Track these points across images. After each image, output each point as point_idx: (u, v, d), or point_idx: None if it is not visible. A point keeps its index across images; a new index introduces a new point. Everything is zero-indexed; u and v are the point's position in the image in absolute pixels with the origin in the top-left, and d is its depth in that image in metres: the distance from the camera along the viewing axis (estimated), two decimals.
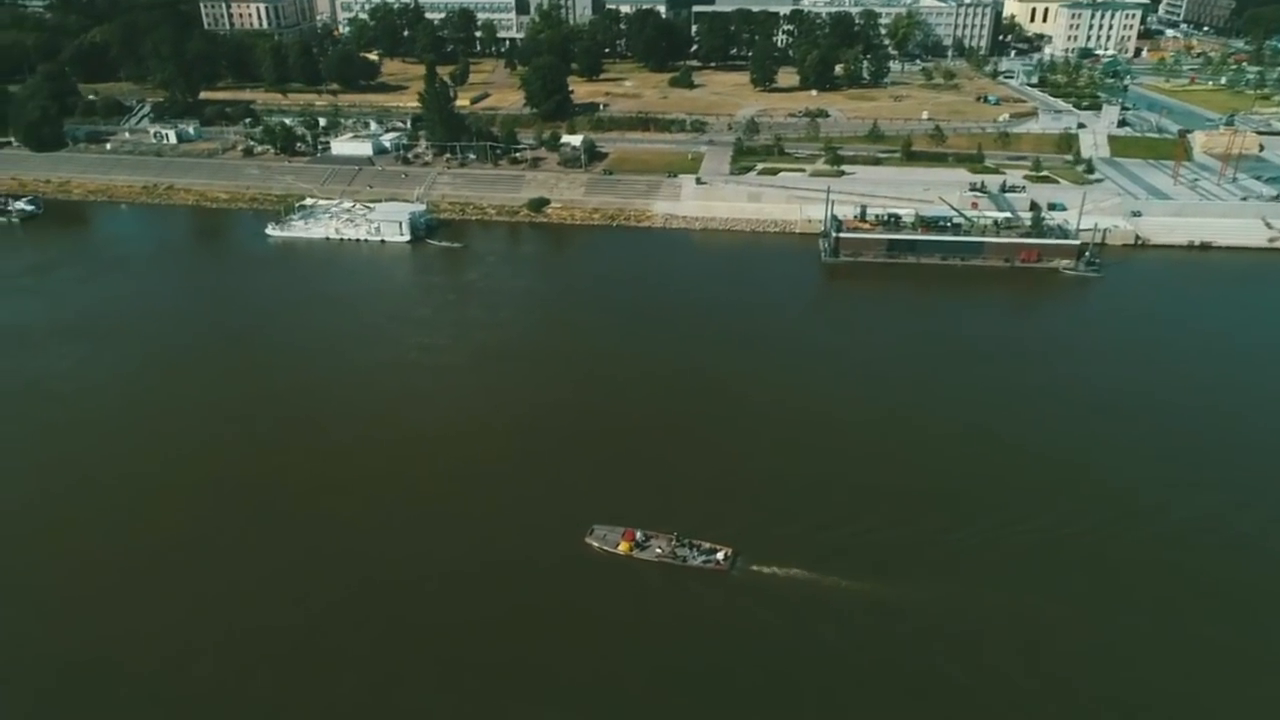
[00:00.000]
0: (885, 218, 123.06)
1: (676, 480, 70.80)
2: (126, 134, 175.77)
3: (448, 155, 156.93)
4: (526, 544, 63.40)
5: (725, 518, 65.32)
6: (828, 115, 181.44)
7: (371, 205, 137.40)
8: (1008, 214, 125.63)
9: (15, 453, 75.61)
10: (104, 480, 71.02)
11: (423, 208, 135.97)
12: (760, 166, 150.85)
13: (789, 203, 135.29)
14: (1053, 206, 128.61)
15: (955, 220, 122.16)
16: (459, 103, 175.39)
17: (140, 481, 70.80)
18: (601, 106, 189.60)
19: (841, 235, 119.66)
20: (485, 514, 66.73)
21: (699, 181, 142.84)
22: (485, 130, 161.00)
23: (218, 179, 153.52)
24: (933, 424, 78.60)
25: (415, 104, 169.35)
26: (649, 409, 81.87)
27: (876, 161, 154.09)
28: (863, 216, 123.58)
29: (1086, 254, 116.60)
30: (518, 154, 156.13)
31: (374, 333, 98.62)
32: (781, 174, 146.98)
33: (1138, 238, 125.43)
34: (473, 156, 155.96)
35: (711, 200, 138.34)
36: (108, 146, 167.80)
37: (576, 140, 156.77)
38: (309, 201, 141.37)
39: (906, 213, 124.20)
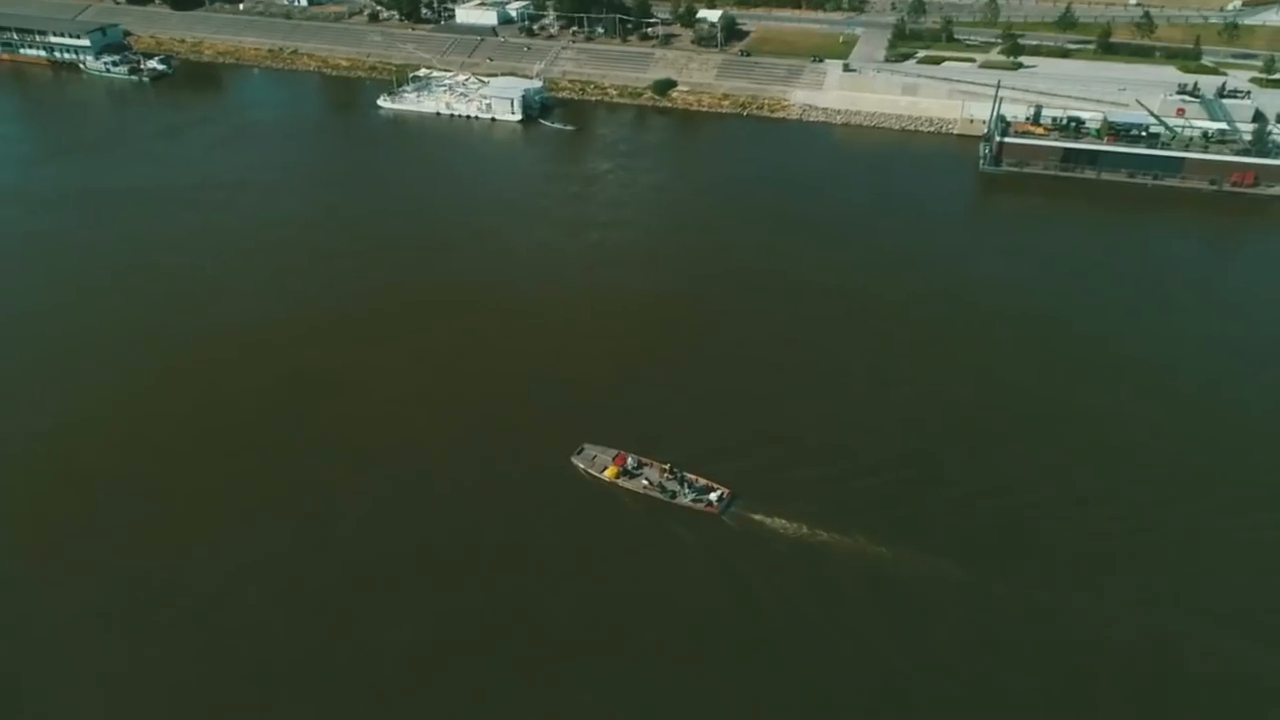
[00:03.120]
0: (1064, 121, 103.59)
1: (731, 405, 61.93)
2: None
3: (574, 28, 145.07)
4: (519, 459, 56.90)
5: (753, 452, 56.69)
6: None
7: (486, 80, 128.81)
8: (1222, 125, 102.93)
9: (108, 328, 72.58)
10: (182, 366, 66.90)
11: (539, 84, 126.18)
12: (921, 54, 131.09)
13: (949, 98, 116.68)
14: None
15: (1152, 129, 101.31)
16: None
17: (215, 371, 66.29)
18: None
19: (1006, 140, 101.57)
20: (506, 425, 60.01)
21: (847, 68, 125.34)
22: (616, 2, 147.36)
23: (340, 44, 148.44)
24: (1083, 381, 64.39)
25: None
26: (750, 326, 71.98)
27: (1064, 54, 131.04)
28: (1036, 119, 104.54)
29: None
30: (649, 29, 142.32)
31: (483, 225, 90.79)
32: (945, 64, 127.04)
33: None
34: (601, 30, 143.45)
35: (859, 91, 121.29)
36: (241, 7, 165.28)
37: (714, 16, 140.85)
38: (423, 72, 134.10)
39: (1091, 116, 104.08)
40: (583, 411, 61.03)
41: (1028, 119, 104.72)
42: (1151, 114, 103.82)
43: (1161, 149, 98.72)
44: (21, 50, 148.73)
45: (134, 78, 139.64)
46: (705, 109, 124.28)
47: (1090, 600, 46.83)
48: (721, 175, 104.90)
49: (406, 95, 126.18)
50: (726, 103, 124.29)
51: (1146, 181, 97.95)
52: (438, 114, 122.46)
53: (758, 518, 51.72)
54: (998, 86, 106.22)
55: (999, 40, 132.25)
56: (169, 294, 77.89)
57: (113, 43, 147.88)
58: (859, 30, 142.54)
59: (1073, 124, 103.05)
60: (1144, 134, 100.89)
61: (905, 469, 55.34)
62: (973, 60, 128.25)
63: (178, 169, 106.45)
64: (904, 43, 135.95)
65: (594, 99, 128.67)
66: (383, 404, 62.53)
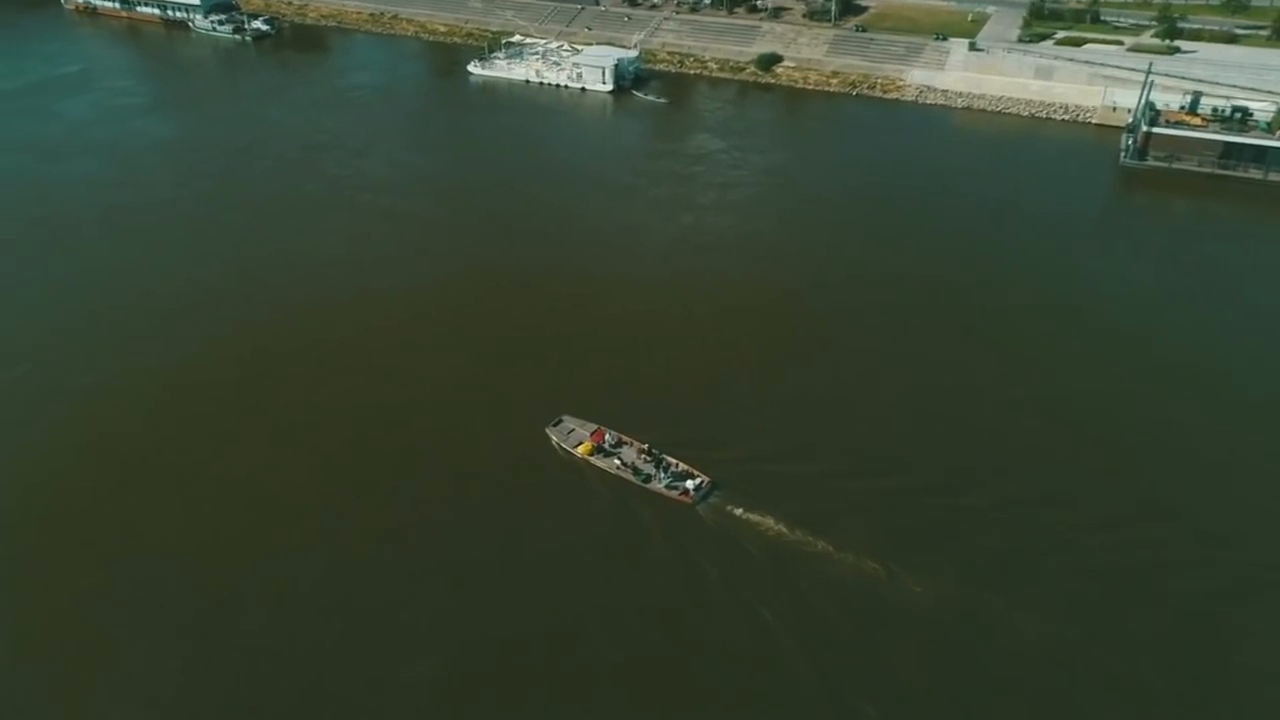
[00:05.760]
0: (1227, 112, 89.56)
1: (786, 406, 54.66)
2: None
3: None
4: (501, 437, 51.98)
5: (755, 443, 50.43)
6: None
7: (579, 48, 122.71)
8: None
9: (164, 295, 69.67)
10: (227, 343, 62.79)
11: (635, 55, 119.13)
12: (1060, 35, 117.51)
13: (1089, 83, 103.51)
14: None
15: None
16: None
17: (258, 349, 62.29)
18: None
19: (1155, 130, 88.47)
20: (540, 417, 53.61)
21: (973, 47, 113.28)
22: None
23: (440, 10, 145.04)
24: (1215, 423, 53.49)
25: None
26: (838, 322, 64.49)
27: (1232, 39, 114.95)
28: (1192, 108, 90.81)
29: None
30: (758, 1, 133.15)
31: (566, 201, 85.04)
32: (1087, 47, 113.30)
33: None
34: (706, 1, 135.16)
35: (985, 73, 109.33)
36: None
37: None
38: (516, 38, 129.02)
39: (1262, 107, 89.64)
40: (605, 401, 54.30)
41: (1182, 108, 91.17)
42: None
43: None
44: (138, 8, 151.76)
45: (237, 37, 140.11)
46: (811, 87, 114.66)
47: (1110, 638, 39.70)
48: (830, 158, 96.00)
49: (497, 62, 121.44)
50: (835, 81, 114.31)
51: None
52: (527, 81, 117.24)
53: (736, 512, 45.26)
54: (1149, 70, 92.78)
55: (1153, 23, 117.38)
56: (235, 260, 74.78)
57: (222, 2, 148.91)
58: (990, 9, 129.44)
59: (1237, 115, 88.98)
60: None
61: (933, 478, 47.73)
62: (1120, 43, 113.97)
63: (268, 129, 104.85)
64: (1041, 22, 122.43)
65: (692, 72, 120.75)
66: (426, 392, 57.38)
